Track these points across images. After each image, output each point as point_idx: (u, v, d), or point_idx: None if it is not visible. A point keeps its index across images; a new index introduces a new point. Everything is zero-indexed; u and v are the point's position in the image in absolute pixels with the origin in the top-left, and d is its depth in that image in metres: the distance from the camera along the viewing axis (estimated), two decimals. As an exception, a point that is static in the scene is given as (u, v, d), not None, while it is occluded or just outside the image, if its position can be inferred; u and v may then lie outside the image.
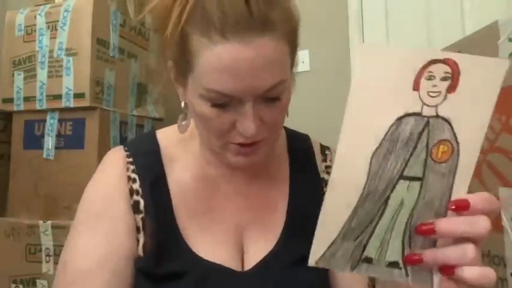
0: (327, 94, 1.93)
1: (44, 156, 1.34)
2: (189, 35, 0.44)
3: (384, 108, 0.33)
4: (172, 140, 0.60)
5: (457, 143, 0.35)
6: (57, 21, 1.36)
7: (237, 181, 0.58)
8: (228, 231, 0.55)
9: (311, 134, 0.66)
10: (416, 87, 0.33)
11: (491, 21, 0.61)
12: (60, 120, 1.35)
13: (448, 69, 0.33)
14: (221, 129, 0.48)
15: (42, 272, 1.27)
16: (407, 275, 0.37)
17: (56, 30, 1.35)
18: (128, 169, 0.56)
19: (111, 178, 0.56)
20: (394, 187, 0.35)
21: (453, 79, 0.33)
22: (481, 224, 0.34)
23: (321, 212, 0.35)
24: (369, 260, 0.37)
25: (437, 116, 0.34)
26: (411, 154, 0.35)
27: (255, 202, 0.58)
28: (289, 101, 0.50)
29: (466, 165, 0.35)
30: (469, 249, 0.34)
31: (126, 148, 0.59)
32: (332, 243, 0.36)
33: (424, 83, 0.33)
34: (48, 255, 1.27)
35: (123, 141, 1.43)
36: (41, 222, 1.28)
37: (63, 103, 1.33)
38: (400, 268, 0.37)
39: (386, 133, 0.34)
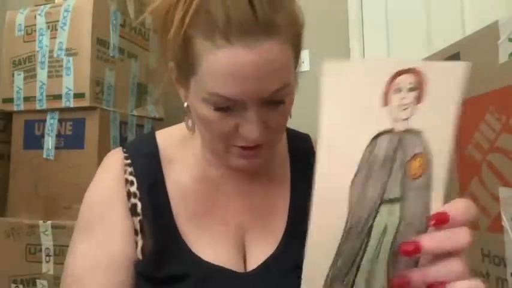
0: (327, 94, 1.93)
1: (44, 156, 1.34)
2: (192, 38, 0.43)
3: (357, 130, 0.31)
4: (172, 141, 0.60)
5: (430, 154, 0.33)
6: (57, 21, 1.36)
7: (237, 182, 0.58)
8: (228, 233, 0.55)
9: (311, 134, 0.66)
10: (385, 102, 0.31)
11: (491, 21, 0.61)
12: (60, 120, 1.35)
13: (414, 79, 0.31)
14: (224, 132, 0.47)
15: (42, 272, 1.27)
16: None
17: (56, 30, 1.35)
18: (125, 171, 0.56)
19: (108, 181, 0.56)
20: (376, 214, 0.33)
21: (420, 89, 0.32)
22: (463, 236, 0.33)
23: (304, 261, 0.33)
24: None
25: (408, 130, 0.32)
26: (389, 175, 0.33)
27: (256, 203, 0.57)
28: (293, 104, 0.50)
29: (440, 176, 0.34)
30: (456, 264, 0.33)
31: (124, 150, 0.59)
32: None
33: (393, 97, 0.31)
34: (48, 255, 1.27)
35: (123, 141, 1.43)
36: (41, 222, 1.28)
37: (63, 103, 1.33)
38: None
39: (363, 157, 0.31)
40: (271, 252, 0.53)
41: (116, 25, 1.44)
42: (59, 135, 1.34)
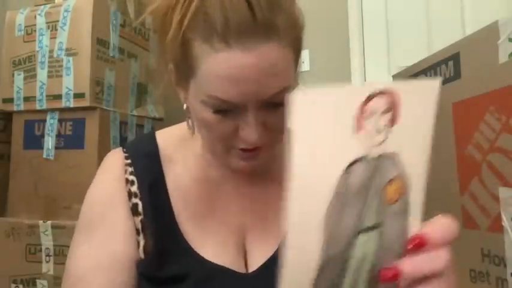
0: (327, 94, 1.93)
1: (44, 156, 1.34)
2: (191, 41, 0.43)
3: (331, 159, 0.30)
4: (172, 141, 0.60)
5: (406, 177, 0.32)
6: (57, 21, 1.36)
7: (238, 182, 0.58)
8: (229, 233, 0.55)
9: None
10: (359, 128, 0.30)
11: (491, 21, 0.61)
12: (60, 120, 1.35)
13: (387, 100, 0.30)
14: (223, 135, 0.47)
15: (42, 272, 1.27)
16: None
17: (56, 30, 1.36)
18: (126, 171, 0.56)
19: (109, 182, 0.56)
20: (353, 244, 0.32)
21: (394, 110, 0.30)
22: (442, 258, 0.32)
23: None
24: None
25: (384, 154, 0.31)
26: (364, 203, 0.31)
27: (257, 204, 0.57)
28: None
29: (416, 198, 0.32)
30: (437, 286, 0.32)
31: (125, 150, 0.59)
32: None
33: (365, 122, 0.30)
34: (48, 255, 1.27)
35: (123, 141, 1.43)
36: (41, 222, 1.28)
37: (63, 103, 1.33)
38: None
39: (337, 186, 0.30)
40: (271, 254, 0.53)
41: (116, 25, 1.44)
42: (59, 135, 1.34)
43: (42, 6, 1.41)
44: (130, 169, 0.56)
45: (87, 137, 1.31)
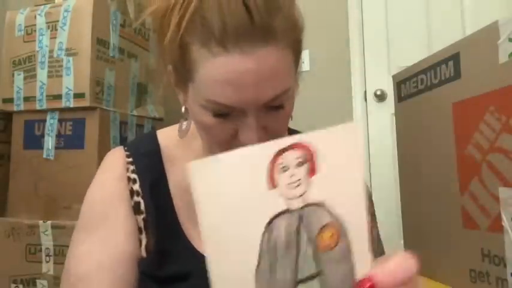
0: (327, 94, 1.93)
1: (44, 156, 1.34)
2: (189, 44, 0.43)
3: (247, 220, 0.29)
4: (173, 140, 0.59)
5: (342, 221, 0.31)
6: (57, 21, 1.36)
7: None
8: None
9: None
10: (273, 184, 0.30)
11: (491, 21, 0.61)
12: (60, 120, 1.35)
13: (300, 153, 0.30)
14: (223, 138, 0.47)
15: (42, 272, 1.27)
16: None
17: (56, 30, 1.36)
18: (127, 170, 0.56)
19: (110, 180, 0.56)
20: None
21: (310, 161, 0.30)
22: None
23: None
24: None
25: (307, 205, 0.30)
26: (297, 254, 0.31)
27: None
28: (293, 108, 0.49)
29: (359, 241, 0.31)
30: None
31: (126, 148, 0.59)
32: None
33: (280, 177, 0.30)
34: (48, 255, 1.27)
35: (123, 141, 1.43)
36: (41, 222, 1.28)
37: (63, 103, 1.33)
38: None
39: (261, 244, 0.30)
40: None
41: (116, 25, 1.44)
42: (59, 135, 1.34)
43: (42, 6, 1.41)
44: (132, 167, 0.56)
45: (87, 137, 1.31)
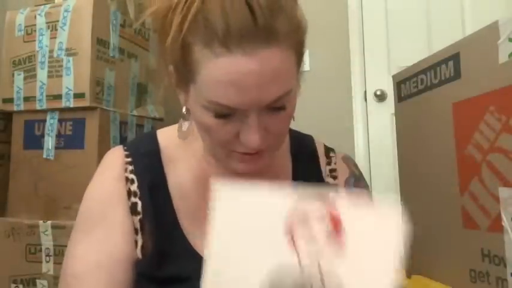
0: (327, 94, 1.93)
1: (44, 156, 1.34)
2: (191, 45, 0.43)
3: (251, 258, 0.28)
4: (173, 140, 0.59)
5: None
6: (57, 21, 1.36)
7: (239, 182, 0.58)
8: None
9: (310, 134, 0.66)
10: (288, 232, 0.28)
11: (491, 21, 0.61)
12: (60, 120, 1.35)
13: (323, 209, 0.28)
14: (224, 139, 0.47)
15: (42, 272, 1.27)
16: None
17: (56, 30, 1.36)
18: (126, 170, 0.56)
19: (109, 180, 0.56)
20: None
21: (337, 232, 0.28)
22: None
23: None
24: None
25: (321, 273, 0.28)
26: None
27: None
28: (295, 108, 0.49)
29: None
30: None
31: (125, 148, 0.58)
32: None
33: (297, 227, 0.28)
34: (48, 255, 1.27)
35: (123, 141, 1.43)
36: (41, 222, 1.28)
37: (63, 103, 1.33)
38: None
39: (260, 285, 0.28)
40: None
41: (116, 25, 1.44)
42: (59, 135, 1.34)
43: (42, 6, 1.41)
44: (130, 167, 0.56)
45: (87, 137, 1.31)
